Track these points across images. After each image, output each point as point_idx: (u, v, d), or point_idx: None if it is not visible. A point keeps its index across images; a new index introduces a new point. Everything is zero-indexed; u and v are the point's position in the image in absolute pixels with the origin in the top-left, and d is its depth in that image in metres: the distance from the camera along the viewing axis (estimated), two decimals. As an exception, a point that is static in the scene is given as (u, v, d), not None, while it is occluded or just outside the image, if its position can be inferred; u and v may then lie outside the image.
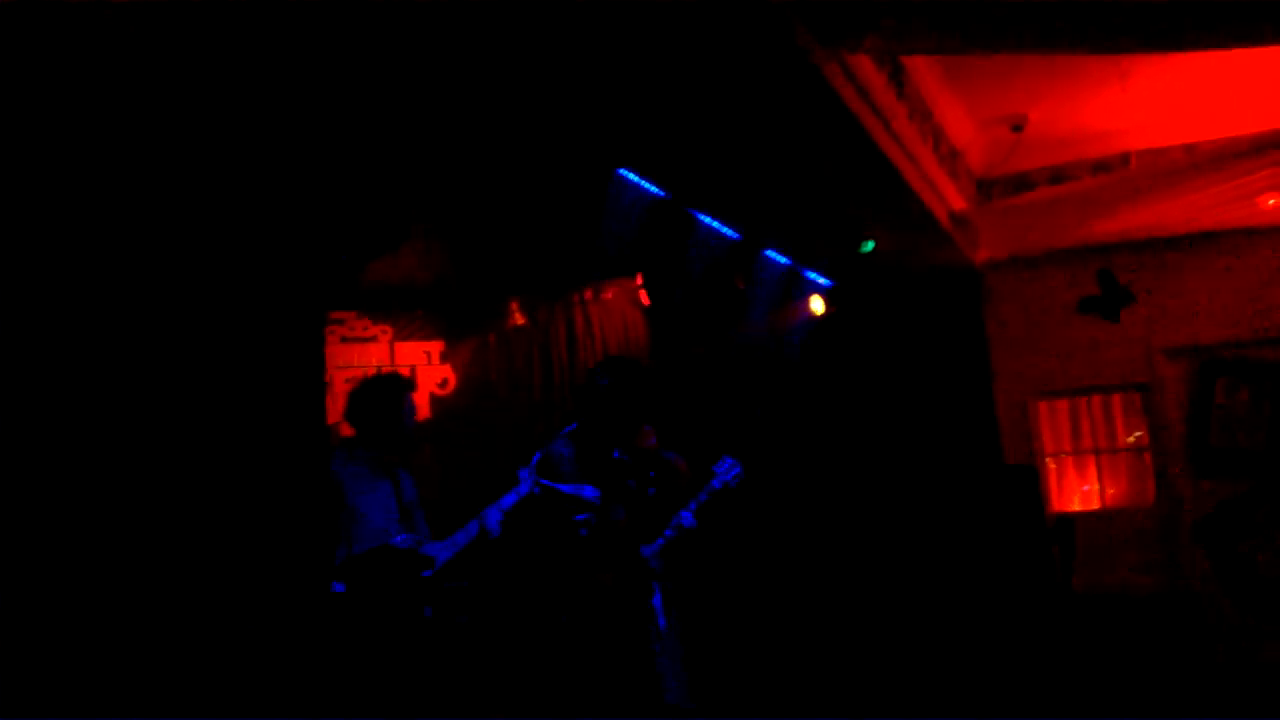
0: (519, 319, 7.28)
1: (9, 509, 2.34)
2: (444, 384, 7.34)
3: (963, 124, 6.12)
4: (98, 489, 2.51)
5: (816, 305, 6.83)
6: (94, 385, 2.58)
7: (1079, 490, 7.36)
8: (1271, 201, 5.92)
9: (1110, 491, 7.27)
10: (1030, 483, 6.89)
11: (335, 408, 6.98)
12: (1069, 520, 6.52)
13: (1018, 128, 6.19)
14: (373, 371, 7.14)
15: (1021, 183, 6.78)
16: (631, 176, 4.97)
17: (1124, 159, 6.54)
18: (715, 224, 5.72)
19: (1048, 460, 7.32)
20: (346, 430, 6.99)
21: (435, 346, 7.34)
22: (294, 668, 2.95)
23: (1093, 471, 7.34)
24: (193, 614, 2.66)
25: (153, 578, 2.53)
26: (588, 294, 7.28)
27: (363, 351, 7.13)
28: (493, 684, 5.06)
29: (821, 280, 6.98)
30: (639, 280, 7.15)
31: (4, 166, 2.47)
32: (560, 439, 4.50)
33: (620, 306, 7.27)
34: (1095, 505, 7.24)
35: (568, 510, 4.22)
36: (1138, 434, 7.19)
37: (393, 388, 4.76)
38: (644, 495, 4.27)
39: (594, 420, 4.34)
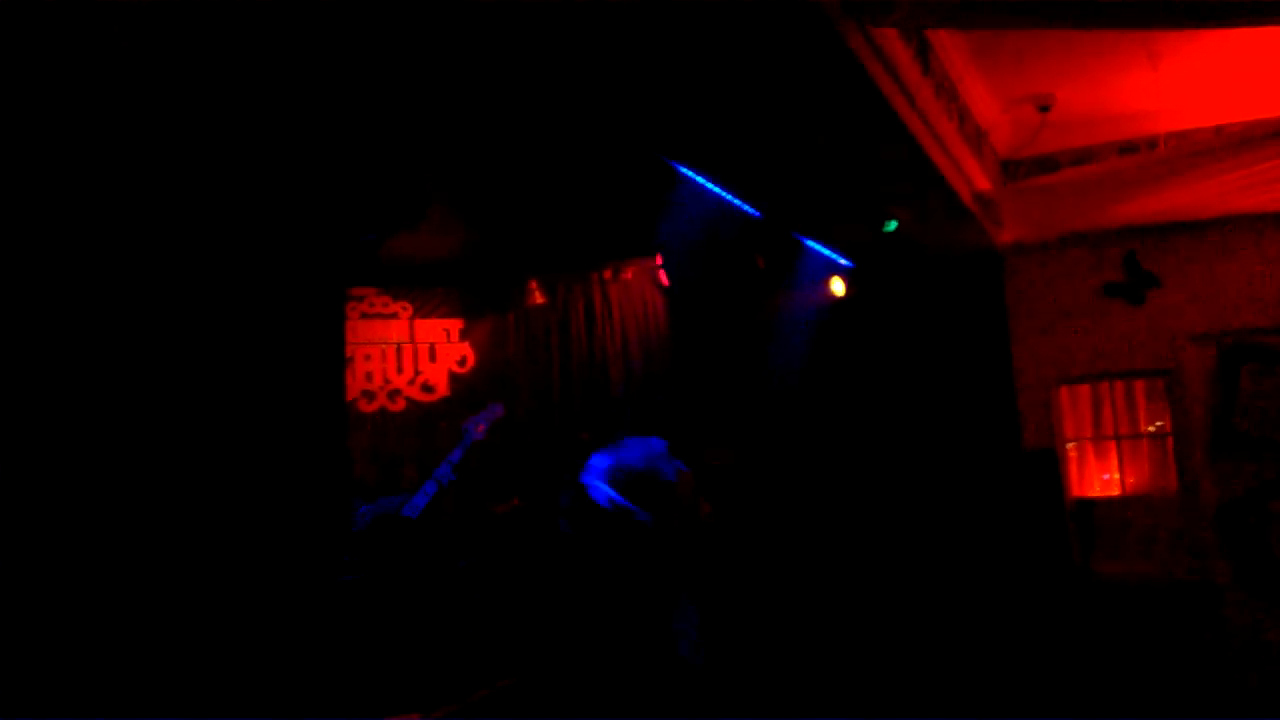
0: (538, 298, 7.29)
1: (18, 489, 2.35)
2: (463, 361, 7.36)
3: (989, 103, 6.06)
4: (118, 468, 2.52)
5: (837, 286, 6.80)
6: (116, 361, 2.58)
7: (1099, 476, 7.31)
8: (1301, 184, 5.84)
9: (1131, 478, 7.21)
10: (1050, 468, 6.85)
11: (355, 383, 7.03)
12: (1089, 506, 6.48)
13: (1044, 108, 6.13)
14: (393, 348, 7.19)
15: (1047, 164, 6.71)
16: (654, 153, 4.94)
17: (1151, 141, 6.46)
18: (737, 202, 5.69)
19: (1068, 446, 7.27)
20: (364, 406, 7.06)
21: (455, 324, 7.36)
22: (309, 649, 2.95)
23: (1114, 458, 7.28)
24: (208, 595, 2.66)
25: (170, 556, 2.54)
26: (607, 273, 7.29)
27: (383, 328, 7.16)
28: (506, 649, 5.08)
29: (842, 261, 6.95)
30: (659, 260, 7.14)
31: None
32: (641, 452, 4.50)
33: (640, 286, 7.28)
34: (1116, 492, 7.19)
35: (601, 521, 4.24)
36: (1159, 423, 7.13)
37: None
38: None
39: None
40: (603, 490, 4.15)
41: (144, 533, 2.54)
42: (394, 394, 7.15)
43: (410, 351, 7.24)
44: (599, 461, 4.29)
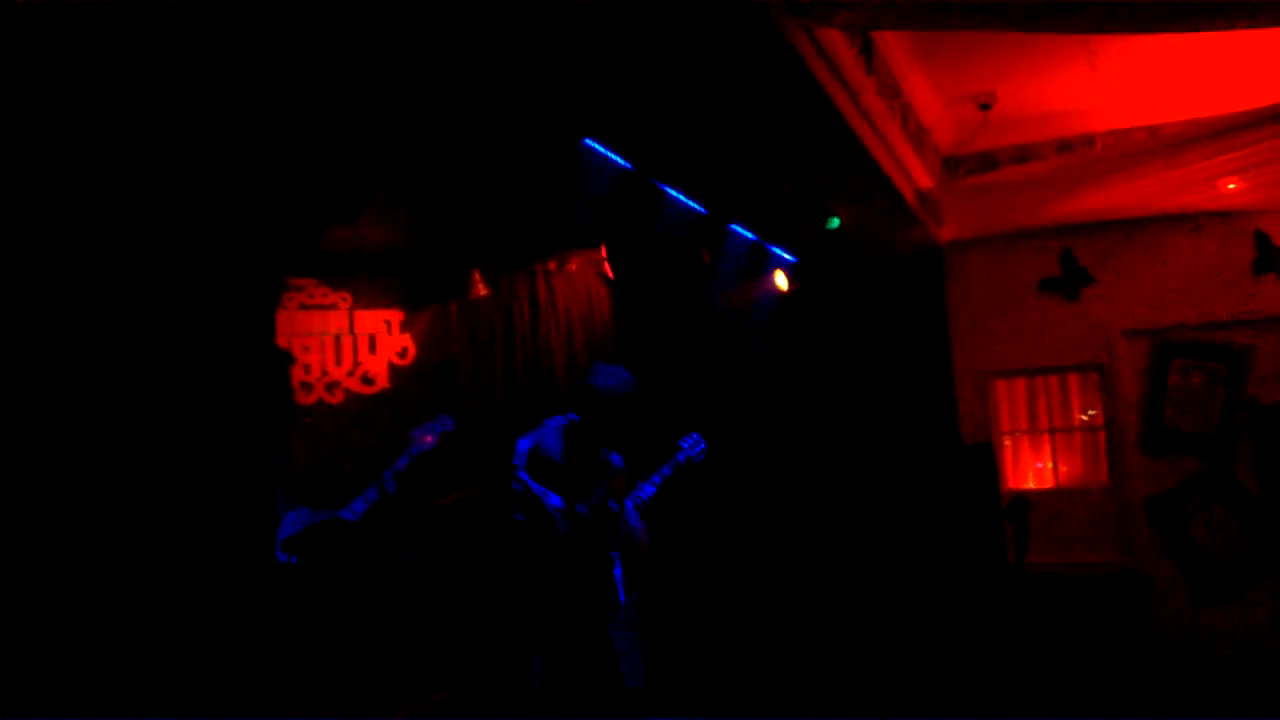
0: (481, 289, 7.19)
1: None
2: (404, 353, 7.26)
3: (931, 101, 6.11)
4: (57, 470, 2.44)
5: (781, 281, 6.82)
6: (47, 356, 2.50)
7: (1034, 468, 7.45)
8: (1232, 185, 5.97)
9: (1064, 470, 7.37)
10: (987, 462, 6.96)
11: (293, 375, 6.89)
12: (1023, 499, 6.58)
13: (985, 106, 6.20)
14: (331, 339, 7.05)
15: (988, 161, 6.80)
16: (597, 147, 4.89)
17: (1089, 139, 6.58)
18: (681, 197, 5.67)
19: (1004, 438, 7.39)
20: (302, 398, 6.93)
21: (395, 315, 7.24)
22: (250, 640, 2.90)
23: (1048, 450, 7.43)
24: (137, 588, 2.59)
25: (112, 557, 2.47)
26: (551, 265, 7.21)
27: (322, 319, 7.02)
28: (441, 656, 5.04)
29: (786, 256, 6.97)
30: (603, 252, 7.09)
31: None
32: (553, 430, 4.47)
33: (584, 278, 7.22)
34: (1049, 484, 7.33)
35: (527, 508, 4.23)
36: (1091, 412, 7.28)
37: None
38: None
39: (592, 420, 4.34)
40: (521, 476, 4.15)
41: (74, 525, 2.47)
42: (332, 386, 7.03)
43: (350, 343, 7.11)
44: (521, 445, 4.30)
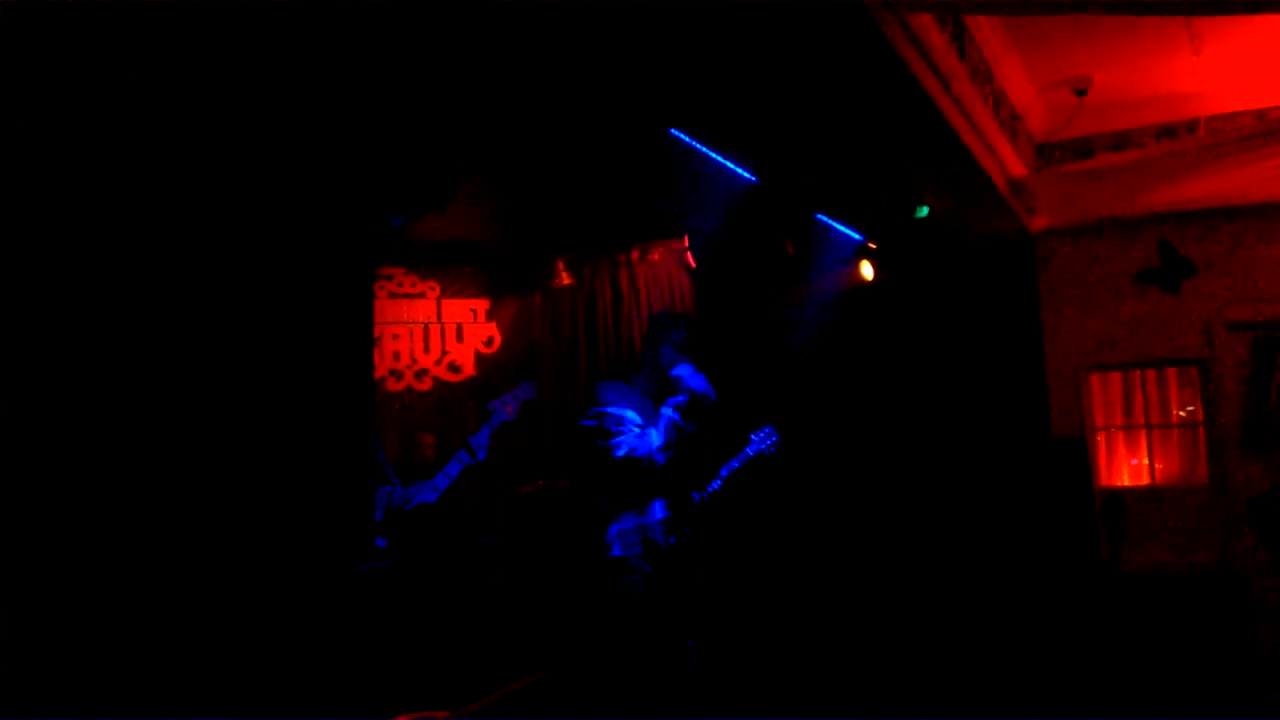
0: (565, 278, 7.26)
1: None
2: (489, 342, 7.37)
3: (1024, 87, 5.96)
4: (151, 448, 2.53)
5: (867, 271, 6.74)
6: (151, 337, 2.60)
7: (1129, 465, 7.24)
8: (1344, 172, 5.71)
9: (1161, 468, 7.14)
10: (1079, 456, 6.79)
11: (383, 363, 7.06)
12: (1119, 497, 6.41)
13: (1081, 91, 6.02)
14: (420, 328, 7.20)
15: (1083, 148, 6.60)
16: (683, 137, 4.89)
17: (1191, 125, 6.34)
18: (767, 186, 5.63)
19: (1098, 434, 7.20)
20: (392, 385, 7.09)
21: (481, 304, 7.36)
22: (333, 639, 2.98)
23: (1143, 447, 7.21)
24: (231, 582, 2.68)
25: (199, 536, 2.56)
26: (634, 254, 7.23)
27: (410, 307, 7.17)
28: (531, 635, 5.10)
29: (873, 245, 6.88)
30: (686, 242, 7.09)
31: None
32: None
33: (667, 268, 7.22)
34: (1145, 481, 7.12)
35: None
36: (1189, 409, 7.04)
37: None
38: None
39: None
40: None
41: (173, 510, 2.56)
42: (421, 374, 7.17)
43: (437, 331, 7.25)
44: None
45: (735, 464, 4.41)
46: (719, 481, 4.38)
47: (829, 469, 6.75)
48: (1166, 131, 6.44)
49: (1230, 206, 6.47)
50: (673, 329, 4.34)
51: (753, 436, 4.46)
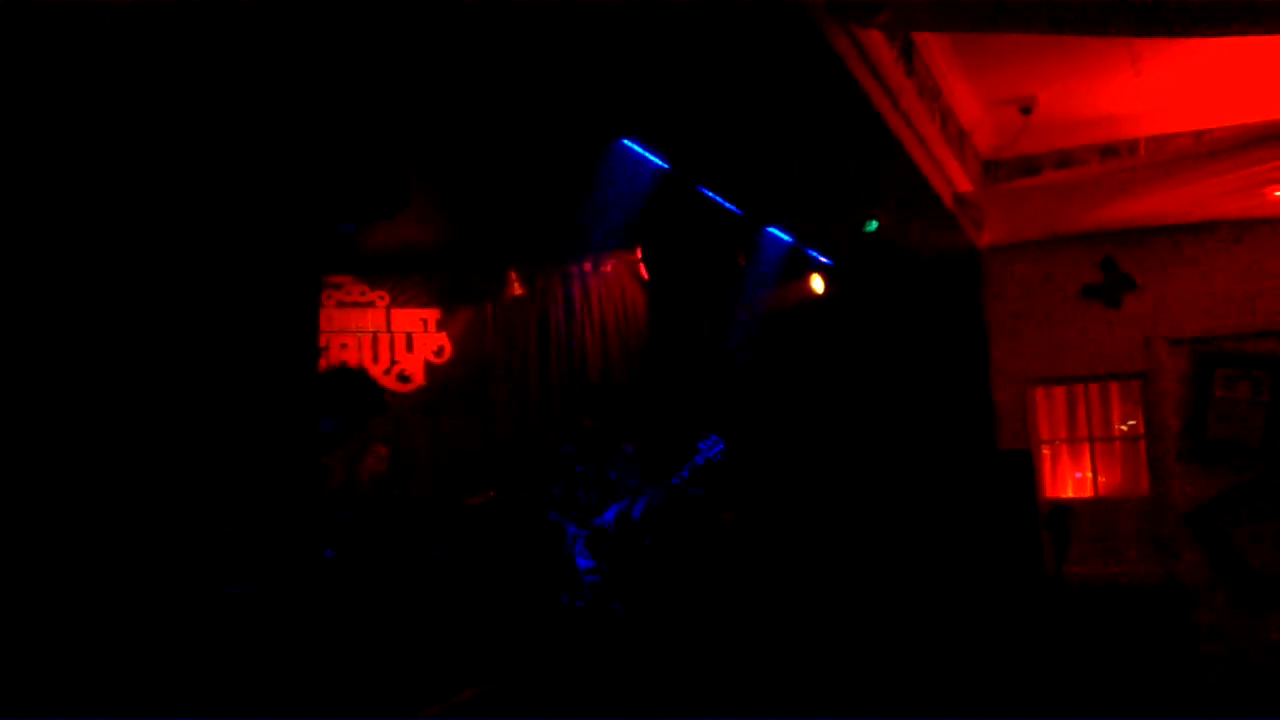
0: (517, 289, 7.24)
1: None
2: (440, 352, 7.31)
3: (971, 104, 6.06)
4: (91, 460, 2.48)
5: (816, 284, 6.79)
6: (87, 348, 2.54)
7: (1073, 478, 7.35)
8: (1279, 192, 5.86)
9: (1104, 480, 7.26)
10: (1024, 469, 6.88)
11: (329, 372, 6.96)
12: (1064, 508, 6.50)
13: (1026, 110, 6.13)
14: (369, 337, 7.13)
15: (1028, 166, 6.73)
16: (635, 147, 4.90)
17: (1132, 145, 6.49)
18: (718, 199, 5.66)
19: (1043, 447, 7.30)
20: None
21: (432, 314, 7.30)
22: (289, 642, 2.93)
23: (1087, 459, 7.33)
24: (178, 584, 2.63)
25: (141, 543, 2.50)
26: (587, 265, 7.24)
27: (359, 316, 7.10)
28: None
29: (822, 259, 6.94)
30: (639, 254, 7.10)
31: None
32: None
33: (620, 279, 7.24)
34: (1088, 493, 7.23)
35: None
36: (1131, 422, 7.17)
37: None
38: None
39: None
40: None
41: (112, 518, 2.50)
42: (369, 383, 7.08)
43: (386, 341, 7.18)
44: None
45: (685, 473, 4.44)
46: (665, 491, 4.40)
47: (777, 480, 6.77)
48: (1109, 150, 6.58)
49: (1170, 224, 6.62)
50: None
51: (700, 445, 4.48)
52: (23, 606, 2.25)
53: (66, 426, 2.40)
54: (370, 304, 7.15)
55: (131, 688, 2.39)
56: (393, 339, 7.20)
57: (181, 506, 2.59)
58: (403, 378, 7.19)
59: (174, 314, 2.83)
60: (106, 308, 2.59)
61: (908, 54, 4.87)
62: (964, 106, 6.03)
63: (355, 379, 4.60)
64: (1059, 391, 7.32)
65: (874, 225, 5.81)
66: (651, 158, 5.02)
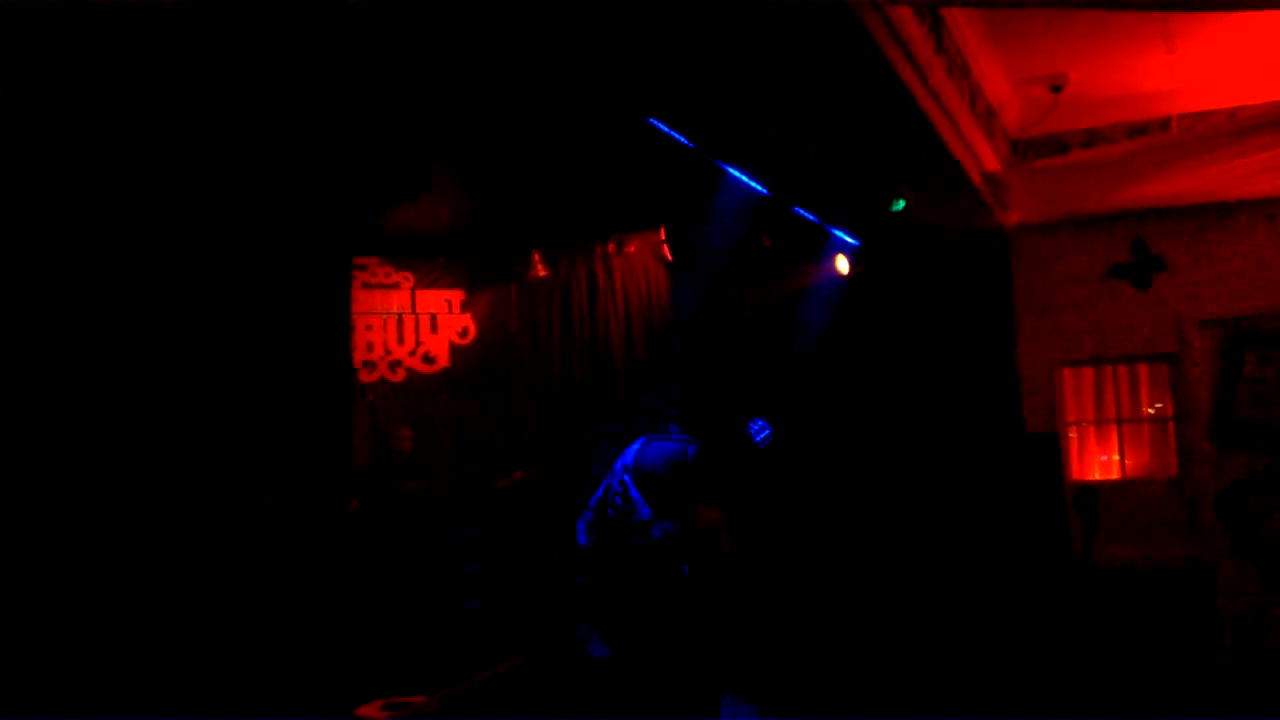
0: (541, 270, 7.24)
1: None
2: (464, 333, 7.33)
3: (1000, 82, 5.99)
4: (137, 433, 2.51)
5: (842, 265, 6.75)
6: (137, 327, 2.57)
7: (1099, 460, 7.30)
8: (1313, 171, 5.78)
9: (1131, 462, 7.20)
10: (1051, 451, 6.84)
11: (356, 353, 7.00)
12: (1091, 490, 6.46)
13: (1057, 88, 6.06)
14: (394, 318, 7.15)
15: (1057, 144, 6.64)
16: (661, 126, 4.87)
17: (1164, 123, 6.40)
18: (744, 178, 5.63)
19: (1069, 429, 7.25)
20: (365, 376, 7.03)
21: (456, 295, 7.32)
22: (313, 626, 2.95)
23: (1114, 441, 7.27)
24: (211, 565, 2.65)
25: (186, 514, 2.53)
26: (610, 246, 7.22)
27: (384, 298, 7.13)
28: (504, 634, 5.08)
29: (848, 239, 6.89)
30: (663, 234, 7.08)
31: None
32: (665, 449, 4.48)
33: (643, 260, 7.22)
34: (1115, 475, 7.18)
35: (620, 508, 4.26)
36: (1158, 405, 7.11)
37: None
38: None
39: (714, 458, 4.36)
40: (624, 479, 4.15)
41: (154, 497, 2.53)
42: (395, 364, 7.12)
43: (411, 322, 7.21)
44: (631, 449, 4.28)
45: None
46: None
47: (803, 464, 6.76)
48: (1139, 129, 6.50)
49: (1202, 204, 6.53)
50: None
51: (750, 427, 4.44)
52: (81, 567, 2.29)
53: (111, 402, 2.42)
54: (395, 285, 7.17)
55: (166, 653, 2.42)
56: (418, 320, 7.22)
57: (222, 477, 2.61)
58: (427, 359, 7.21)
59: (206, 296, 2.85)
60: (158, 290, 2.62)
61: (937, 31, 4.82)
62: (993, 85, 5.96)
63: None
64: (1087, 373, 7.25)
65: (901, 204, 5.76)
66: (677, 137, 4.99)
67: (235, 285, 2.97)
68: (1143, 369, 7.14)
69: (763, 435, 4.38)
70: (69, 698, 2.26)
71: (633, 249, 7.23)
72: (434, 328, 7.25)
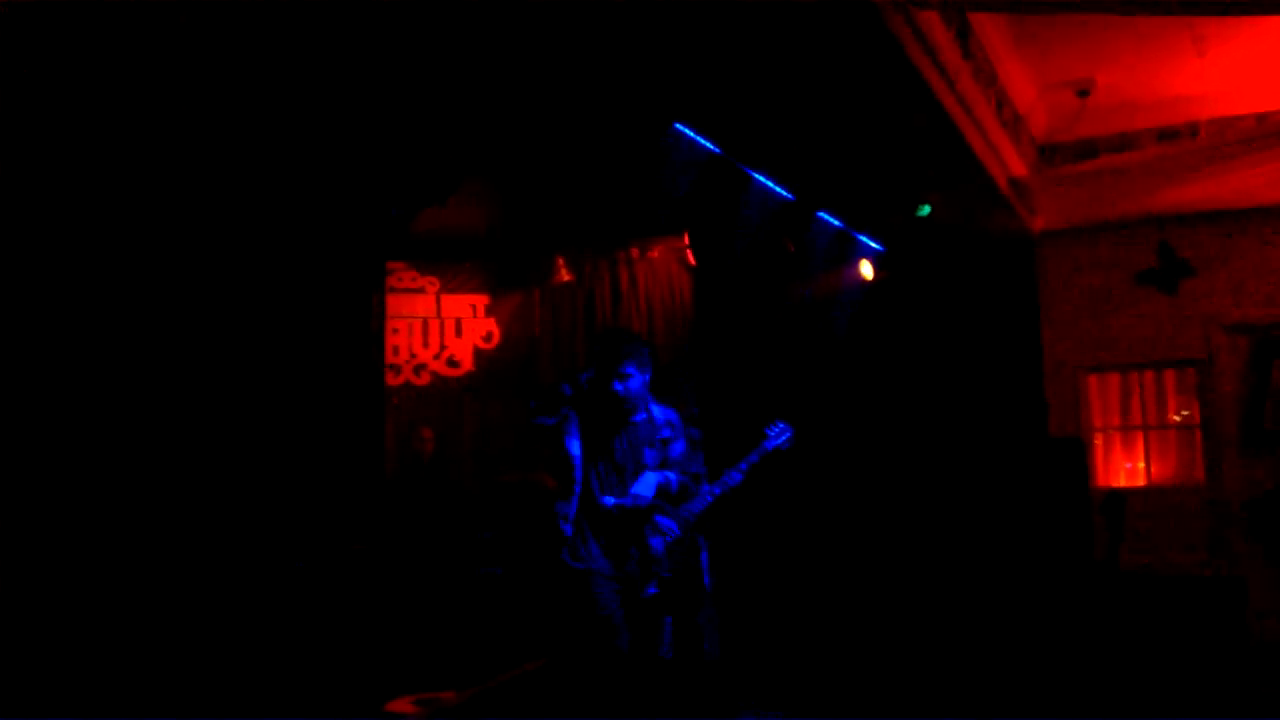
0: (565, 275, 7.26)
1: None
2: (488, 337, 7.36)
3: (1027, 87, 5.97)
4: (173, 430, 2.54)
5: (867, 270, 6.74)
6: (173, 325, 2.60)
7: (1125, 467, 7.25)
8: (1345, 176, 5.73)
9: (1157, 469, 7.15)
10: (1077, 456, 6.79)
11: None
12: (1119, 497, 6.41)
13: (1084, 93, 6.03)
14: (419, 322, 7.20)
15: (1084, 150, 6.61)
16: (687, 131, 4.88)
17: (1193, 128, 6.35)
18: (769, 183, 5.63)
19: (1095, 435, 7.21)
20: (390, 379, 7.07)
21: (481, 300, 7.36)
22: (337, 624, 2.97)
23: (1140, 448, 7.22)
24: (239, 564, 2.68)
25: (216, 512, 2.56)
26: (634, 252, 7.23)
27: (410, 302, 7.17)
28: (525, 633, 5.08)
29: (873, 244, 6.88)
30: (686, 239, 7.09)
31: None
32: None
33: (667, 265, 7.22)
34: (1141, 482, 7.13)
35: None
36: (1185, 412, 7.06)
37: None
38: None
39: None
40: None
41: (183, 493, 2.56)
42: (420, 368, 7.17)
43: (437, 326, 7.25)
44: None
45: (754, 458, 4.38)
46: (739, 475, 4.34)
47: (830, 467, 6.74)
48: (1168, 134, 6.45)
49: (1230, 209, 6.50)
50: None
51: (768, 431, 4.43)
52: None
53: (144, 399, 2.46)
54: (421, 290, 7.22)
55: (193, 654, 2.45)
56: (443, 324, 7.26)
57: (249, 475, 2.64)
58: (452, 362, 7.26)
59: (242, 300, 2.88)
60: (182, 296, 2.65)
61: (964, 36, 4.81)
62: (1020, 90, 5.94)
63: None
64: (1113, 379, 7.22)
65: (927, 209, 5.75)
66: (703, 142, 5.00)
67: (262, 290, 3.00)
68: (1170, 375, 7.09)
69: (784, 438, 4.37)
70: (100, 694, 2.29)
71: (656, 254, 7.23)
72: (459, 332, 7.29)
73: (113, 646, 2.33)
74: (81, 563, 2.30)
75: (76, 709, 2.24)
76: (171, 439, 2.52)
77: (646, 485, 3.88)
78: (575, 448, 3.87)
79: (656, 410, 3.96)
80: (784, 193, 5.79)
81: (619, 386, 3.82)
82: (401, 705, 2.38)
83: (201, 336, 2.68)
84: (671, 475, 3.99)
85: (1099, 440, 7.23)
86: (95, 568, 2.32)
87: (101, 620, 2.34)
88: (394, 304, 7.09)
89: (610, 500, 3.82)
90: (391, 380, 7.08)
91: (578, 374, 3.85)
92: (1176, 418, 7.12)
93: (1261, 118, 6.18)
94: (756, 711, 4.81)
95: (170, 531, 2.45)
